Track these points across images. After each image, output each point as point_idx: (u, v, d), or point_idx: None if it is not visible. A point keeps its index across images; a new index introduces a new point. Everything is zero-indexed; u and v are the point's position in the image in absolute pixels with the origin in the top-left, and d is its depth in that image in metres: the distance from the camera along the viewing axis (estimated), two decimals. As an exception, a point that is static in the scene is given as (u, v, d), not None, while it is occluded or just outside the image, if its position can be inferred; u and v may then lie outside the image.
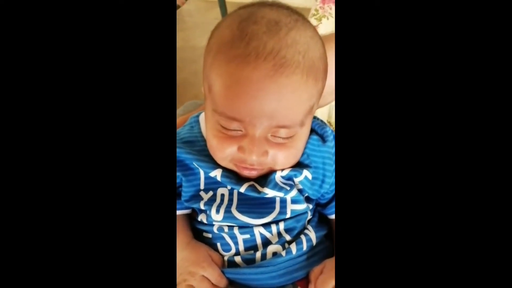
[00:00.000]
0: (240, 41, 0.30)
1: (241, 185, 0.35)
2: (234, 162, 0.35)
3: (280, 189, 0.36)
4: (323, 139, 0.39)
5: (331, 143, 0.39)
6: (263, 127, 0.31)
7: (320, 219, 0.40)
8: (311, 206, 0.39)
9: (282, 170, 0.36)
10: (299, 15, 0.33)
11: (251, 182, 0.36)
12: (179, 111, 0.61)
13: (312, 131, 0.40)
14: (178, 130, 0.43)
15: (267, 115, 0.30)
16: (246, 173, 0.35)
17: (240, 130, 0.32)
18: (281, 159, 0.34)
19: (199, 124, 0.42)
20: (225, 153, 0.34)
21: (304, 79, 0.31)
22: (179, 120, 0.50)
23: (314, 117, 0.42)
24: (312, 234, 0.37)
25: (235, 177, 0.36)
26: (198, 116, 0.43)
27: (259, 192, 0.35)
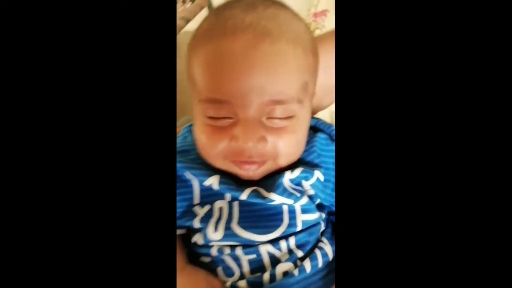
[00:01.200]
0: (218, 24, 0.28)
1: (242, 190, 0.30)
2: (230, 158, 0.30)
3: (290, 195, 0.30)
4: (331, 137, 0.35)
5: None
6: (254, 106, 0.27)
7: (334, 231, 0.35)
8: (323, 215, 0.33)
9: (292, 171, 0.31)
10: (276, 0, 0.30)
11: (254, 187, 0.31)
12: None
13: (319, 130, 0.36)
14: None
15: (256, 89, 0.26)
16: (246, 168, 0.30)
17: (230, 117, 0.28)
18: (282, 147, 0.29)
19: (192, 134, 0.38)
20: (217, 148, 0.29)
21: (291, 46, 0.27)
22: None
23: (317, 118, 0.38)
24: (328, 247, 0.31)
25: (234, 182, 0.31)
26: (190, 126, 0.39)
27: (264, 197, 0.30)
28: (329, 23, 1.01)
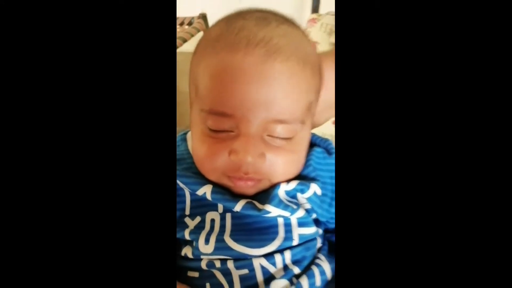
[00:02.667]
0: (229, 33, 0.27)
1: (236, 202, 0.29)
2: (227, 174, 0.29)
3: (286, 207, 0.29)
4: (327, 151, 0.35)
5: None
6: (258, 122, 0.27)
7: (331, 249, 0.33)
8: (320, 231, 0.32)
9: (288, 183, 0.30)
10: (287, 17, 0.31)
11: (249, 200, 0.30)
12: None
13: (314, 144, 0.36)
14: None
15: (261, 105, 0.26)
16: (241, 184, 0.29)
17: (232, 131, 0.27)
18: (280, 166, 0.29)
19: (186, 142, 0.37)
20: (216, 162, 0.28)
21: (301, 66, 0.27)
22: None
23: (313, 134, 0.38)
24: (325, 264, 0.30)
25: (228, 193, 0.30)
26: (185, 133, 0.38)
27: (259, 209, 0.29)
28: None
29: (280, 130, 0.27)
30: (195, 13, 1.37)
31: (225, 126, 0.27)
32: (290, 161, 0.29)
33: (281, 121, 0.27)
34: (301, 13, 1.46)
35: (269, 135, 0.28)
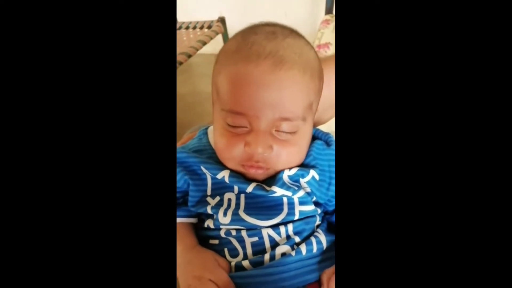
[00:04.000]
0: (244, 46, 0.34)
1: (248, 184, 0.36)
2: (242, 163, 0.36)
3: (288, 188, 0.36)
4: (327, 143, 0.41)
5: (335, 147, 0.40)
6: (267, 120, 0.33)
7: (329, 227, 0.39)
8: (319, 211, 0.38)
9: (290, 169, 0.36)
10: (292, 30, 0.38)
11: (258, 183, 0.36)
12: (187, 133, 0.63)
13: (316, 138, 0.42)
14: (187, 143, 0.44)
15: (269, 106, 0.32)
16: (252, 171, 0.36)
17: (246, 127, 0.34)
18: (284, 156, 0.35)
19: (207, 136, 0.44)
20: (233, 152, 0.35)
21: (301, 74, 0.33)
22: (187, 137, 0.52)
23: (316, 128, 0.44)
24: (322, 236, 0.36)
25: (242, 177, 0.37)
26: (206, 128, 0.45)
27: (267, 190, 0.35)
28: (330, 54, 1.09)
29: (285, 126, 0.34)
30: (214, 17, 1.44)
31: (240, 123, 0.34)
32: (292, 151, 0.36)
33: (286, 119, 0.33)
34: (315, 15, 1.50)
35: (276, 130, 0.34)
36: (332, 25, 1.15)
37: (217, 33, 1.34)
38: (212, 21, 1.41)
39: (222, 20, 1.40)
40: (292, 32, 0.37)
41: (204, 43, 1.23)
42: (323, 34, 1.13)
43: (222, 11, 1.47)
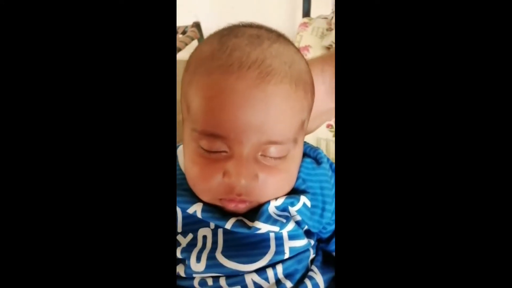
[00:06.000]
0: (221, 53, 0.27)
1: (226, 220, 0.29)
2: (220, 197, 0.29)
3: (275, 222, 0.29)
4: (317, 161, 0.35)
5: (326, 165, 0.34)
6: (251, 144, 0.27)
7: (325, 259, 0.33)
8: (312, 242, 0.32)
9: (276, 199, 0.30)
10: (280, 33, 0.31)
11: (239, 217, 0.30)
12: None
13: (304, 154, 0.36)
14: None
15: (255, 128, 0.26)
16: (232, 206, 0.29)
17: (225, 151, 0.27)
18: (271, 186, 0.29)
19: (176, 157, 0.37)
20: (209, 183, 0.28)
21: (293, 88, 0.27)
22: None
23: (304, 142, 0.38)
24: (318, 277, 0.30)
25: (218, 211, 0.30)
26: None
27: (249, 227, 0.29)
28: (310, 57, 1.06)
29: (273, 150, 0.28)
30: (188, 22, 1.38)
31: (218, 147, 0.27)
32: (282, 179, 0.29)
33: (274, 142, 0.27)
34: (293, 18, 1.47)
35: (262, 155, 0.28)
36: (310, 28, 1.13)
37: (192, 39, 1.27)
38: (186, 26, 1.35)
39: (197, 25, 1.34)
40: (280, 37, 0.30)
41: (179, 50, 1.16)
42: (302, 37, 1.10)
43: (197, 16, 1.41)
